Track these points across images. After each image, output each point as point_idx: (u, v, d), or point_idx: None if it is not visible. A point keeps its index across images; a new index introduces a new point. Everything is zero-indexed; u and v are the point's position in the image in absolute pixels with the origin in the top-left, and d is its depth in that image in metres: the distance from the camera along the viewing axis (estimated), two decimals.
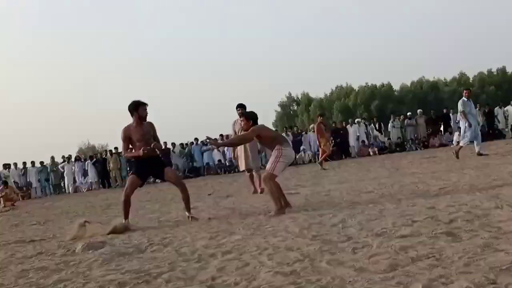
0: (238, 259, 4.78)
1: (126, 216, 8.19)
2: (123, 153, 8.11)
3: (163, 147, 8.19)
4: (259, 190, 11.56)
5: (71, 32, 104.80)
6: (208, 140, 11.89)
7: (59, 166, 28.73)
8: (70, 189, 28.20)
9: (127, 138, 8.03)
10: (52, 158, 29.41)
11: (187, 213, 8.29)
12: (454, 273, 3.47)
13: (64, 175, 28.60)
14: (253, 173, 11.90)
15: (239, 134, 11.34)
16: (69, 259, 5.97)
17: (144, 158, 8.04)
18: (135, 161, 8.29)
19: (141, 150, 7.89)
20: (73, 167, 28.65)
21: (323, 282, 3.65)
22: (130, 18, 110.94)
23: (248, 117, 8.43)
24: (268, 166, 8.07)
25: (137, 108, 8.00)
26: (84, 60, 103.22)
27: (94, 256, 5.83)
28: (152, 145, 7.99)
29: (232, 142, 9.68)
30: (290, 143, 8.72)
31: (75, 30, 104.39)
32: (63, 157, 29.42)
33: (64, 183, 29.03)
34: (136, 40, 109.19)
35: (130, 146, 8.18)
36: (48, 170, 28.66)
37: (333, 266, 4.06)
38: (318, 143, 19.50)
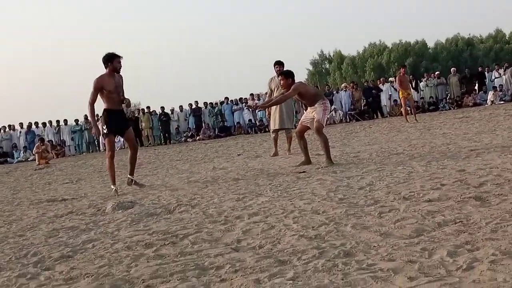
0: (264, 221, 4.79)
1: (113, 181, 8.34)
2: (88, 103, 8.02)
3: (130, 103, 8.34)
4: (287, 153, 11.54)
5: None
6: (251, 106, 12.53)
7: None
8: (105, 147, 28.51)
9: (99, 88, 8.03)
10: (86, 116, 29.71)
11: (129, 176, 8.59)
12: (480, 240, 3.42)
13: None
14: (285, 134, 11.84)
15: (276, 91, 11.32)
16: (98, 218, 6.08)
17: (115, 112, 8.21)
18: (107, 118, 8.21)
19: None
20: None
21: (347, 246, 3.64)
22: None
23: (286, 75, 8.87)
24: (317, 117, 8.54)
25: (112, 60, 8.06)
26: (123, 23, 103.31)
27: (123, 216, 5.91)
28: (126, 102, 8.22)
29: (276, 101, 9.68)
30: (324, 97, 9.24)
31: None
32: (96, 115, 29.63)
33: (97, 142, 29.36)
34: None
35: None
36: (83, 128, 29.00)
37: (358, 230, 4.05)
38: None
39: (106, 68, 8.10)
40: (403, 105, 19.27)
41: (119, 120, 8.34)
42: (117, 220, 5.78)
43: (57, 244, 4.92)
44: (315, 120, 8.56)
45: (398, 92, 20.38)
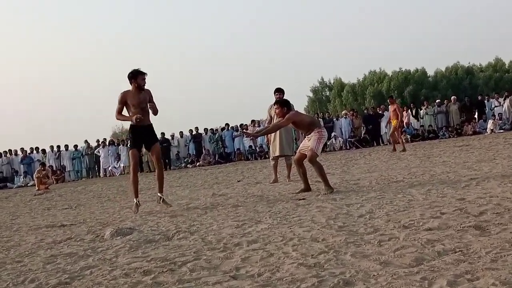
0: (263, 249, 4.77)
1: (136, 195, 8.54)
2: (116, 116, 8.29)
3: (158, 111, 8.48)
4: (287, 179, 11.55)
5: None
6: (243, 132, 12.38)
7: (95, 151, 29.07)
8: (105, 172, 28.53)
9: (124, 101, 8.24)
10: (87, 142, 29.80)
11: (158, 194, 8.74)
12: (480, 269, 3.40)
13: (100, 159, 28.91)
14: (285, 161, 11.85)
15: (275, 118, 11.36)
16: (97, 245, 6.05)
17: (138, 127, 8.31)
18: (132, 133, 8.45)
19: (134, 117, 8.13)
20: (107, 151, 28.99)
21: (346, 275, 3.63)
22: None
23: (282, 104, 8.89)
24: (311, 146, 8.53)
25: (136, 77, 8.23)
26: (120, 43, 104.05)
27: (122, 243, 5.89)
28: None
29: (267, 131, 9.80)
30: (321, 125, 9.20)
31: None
32: (97, 141, 29.78)
33: (98, 167, 29.38)
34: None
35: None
36: (83, 153, 29.03)
37: (358, 259, 4.03)
38: (394, 124, 19.16)
39: (130, 84, 8.29)
40: (397, 134, 19.09)
41: (144, 135, 8.49)
42: (115, 246, 5.75)
43: (55, 270, 4.89)
44: (309, 148, 8.57)
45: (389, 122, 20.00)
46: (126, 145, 28.67)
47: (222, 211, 7.64)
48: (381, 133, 26.71)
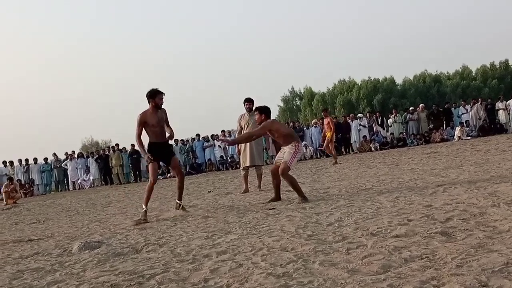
0: (232, 259, 4.76)
1: (146, 203, 8.76)
2: (136, 138, 8.54)
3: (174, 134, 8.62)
4: (258, 189, 11.55)
5: (70, 26, 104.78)
6: (219, 139, 12.01)
7: (63, 164, 28.73)
8: (75, 185, 28.22)
9: (143, 122, 8.45)
10: (55, 155, 29.43)
11: (177, 201, 8.97)
12: (446, 275, 3.44)
13: (68, 172, 28.59)
14: (256, 171, 11.86)
15: (246, 128, 11.37)
16: (64, 259, 5.97)
17: (157, 144, 8.59)
18: (150, 147, 8.66)
19: (146, 157, 8.48)
20: (75, 164, 28.65)
21: (314, 284, 3.64)
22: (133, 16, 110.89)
23: (261, 111, 8.79)
24: (285, 159, 8.43)
25: (154, 96, 8.50)
26: (87, 57, 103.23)
27: (90, 257, 5.82)
28: (170, 135, 8.71)
29: (243, 138, 9.81)
30: (298, 138, 9.04)
31: (75, 24, 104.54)
32: (66, 153, 29.44)
33: (66, 180, 29.03)
34: (139, 37, 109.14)
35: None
36: (52, 167, 28.67)
37: (326, 267, 4.04)
38: (328, 137, 19.21)
39: (149, 103, 8.55)
40: (331, 147, 19.27)
41: (163, 150, 8.75)
42: (83, 260, 5.68)
43: (21, 286, 4.82)
44: (282, 161, 8.51)
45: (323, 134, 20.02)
46: (96, 159, 28.41)
47: (192, 223, 7.61)
48: (351, 142, 26.88)
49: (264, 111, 8.79)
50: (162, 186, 19.18)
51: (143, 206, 8.71)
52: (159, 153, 8.68)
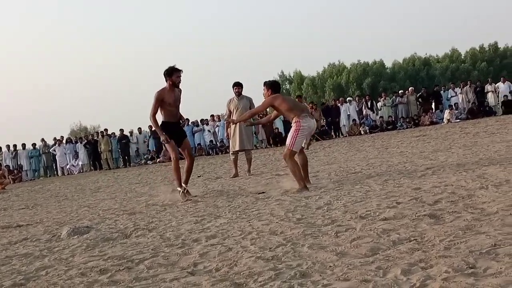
0: (222, 244, 4.75)
1: (180, 183, 8.50)
2: (150, 115, 8.31)
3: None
4: (247, 174, 11.56)
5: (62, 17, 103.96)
6: (226, 119, 11.09)
7: (51, 149, 28.61)
8: (63, 171, 28.13)
9: (161, 99, 8.24)
10: (43, 140, 29.28)
11: (183, 185, 8.55)
12: (434, 257, 3.45)
13: (56, 157, 28.47)
14: (245, 155, 11.87)
15: (235, 112, 11.31)
16: (53, 245, 5.95)
17: (171, 123, 8.44)
18: (164, 128, 8.42)
19: (163, 138, 8.28)
20: (64, 149, 28.54)
21: (303, 267, 3.64)
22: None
23: (268, 85, 8.17)
24: (287, 141, 7.92)
25: (171, 74, 8.26)
26: (79, 43, 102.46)
27: (79, 242, 5.80)
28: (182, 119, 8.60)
29: (246, 116, 9.08)
30: (308, 111, 8.35)
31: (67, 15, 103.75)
32: (54, 139, 29.29)
33: (55, 166, 28.92)
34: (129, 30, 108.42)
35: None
36: (40, 152, 28.54)
37: (315, 251, 4.05)
38: None
39: (166, 81, 8.30)
40: None
41: (176, 131, 8.55)
42: (72, 246, 5.66)
43: (10, 272, 4.79)
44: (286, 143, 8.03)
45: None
46: (84, 144, 28.30)
47: (182, 207, 7.60)
48: (341, 125, 26.92)
49: (271, 85, 8.16)
50: (152, 171, 19.17)
51: (178, 188, 8.51)
52: (173, 133, 8.43)
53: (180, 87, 8.45)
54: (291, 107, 7.96)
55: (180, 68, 8.30)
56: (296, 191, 7.53)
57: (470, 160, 8.75)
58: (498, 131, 15.06)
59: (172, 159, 8.61)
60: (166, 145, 8.58)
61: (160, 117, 8.48)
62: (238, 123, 11.10)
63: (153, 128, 27.58)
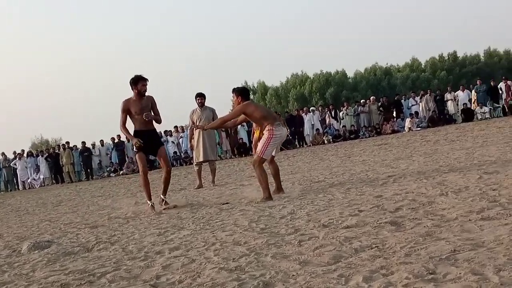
0: (185, 255, 4.73)
1: (149, 197, 8.40)
2: (120, 126, 8.28)
3: (161, 120, 8.54)
4: (212, 184, 11.54)
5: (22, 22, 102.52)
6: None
7: (11, 163, 28.10)
8: (24, 185, 27.65)
9: (126, 110, 8.20)
10: (3, 154, 28.76)
11: (161, 196, 8.55)
12: (394, 264, 3.49)
13: (17, 171, 27.97)
14: (210, 166, 11.85)
15: (198, 123, 11.26)
16: (13, 260, 5.84)
17: (142, 132, 8.29)
18: (136, 137, 8.33)
19: (134, 142, 8.16)
20: (25, 163, 28.08)
21: (266, 277, 3.64)
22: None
23: (237, 92, 7.99)
24: (258, 148, 7.82)
25: (137, 83, 8.22)
26: (37, 53, 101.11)
27: (40, 256, 5.71)
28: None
29: (216, 124, 9.02)
30: (281, 120, 8.42)
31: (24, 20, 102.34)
32: (14, 153, 28.79)
33: (16, 180, 28.41)
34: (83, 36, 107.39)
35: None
36: (0, 166, 28.01)
37: (278, 260, 4.06)
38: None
39: (132, 90, 8.25)
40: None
41: (149, 140, 8.36)
42: (33, 260, 5.56)
43: None
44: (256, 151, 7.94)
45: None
46: (46, 157, 27.87)
47: (145, 220, 7.54)
48: (305, 135, 27.09)
49: (240, 92, 7.97)
50: (115, 184, 18.98)
51: (148, 202, 8.39)
52: (145, 143, 8.25)
53: (150, 95, 8.41)
54: (264, 115, 7.90)
55: (145, 77, 8.27)
56: (261, 200, 7.53)
57: (431, 167, 8.89)
58: (458, 138, 15.35)
59: (140, 173, 8.50)
60: (136, 156, 8.48)
61: (132, 127, 8.44)
62: (201, 134, 11.10)
63: (116, 141, 27.63)
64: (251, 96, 74.79)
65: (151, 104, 8.39)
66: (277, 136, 7.74)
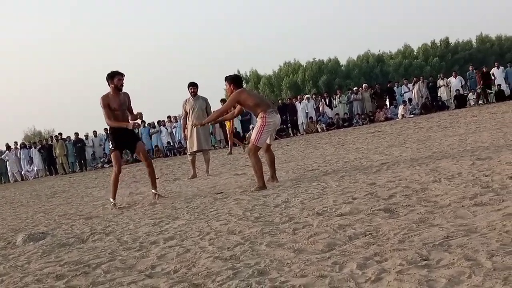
0: (180, 245, 4.74)
1: (114, 196, 8.41)
2: (106, 120, 8.21)
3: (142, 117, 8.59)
4: (206, 174, 11.54)
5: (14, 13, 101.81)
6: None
7: (2, 156, 28.01)
8: (15, 177, 27.59)
9: (107, 104, 8.14)
10: None
11: (153, 190, 8.57)
12: (388, 251, 3.51)
13: (7, 164, 27.89)
14: (203, 155, 11.85)
15: (191, 113, 11.26)
16: (8, 252, 5.85)
17: (120, 130, 8.24)
18: (112, 134, 8.36)
19: (131, 123, 8.21)
20: (18, 155, 28.01)
21: (261, 265, 3.66)
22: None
23: (230, 80, 7.94)
24: (252, 136, 7.81)
25: (113, 78, 8.19)
26: (31, 43, 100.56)
27: (35, 248, 5.71)
28: (138, 115, 8.44)
29: (214, 117, 8.69)
30: (274, 107, 8.33)
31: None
32: (6, 145, 28.70)
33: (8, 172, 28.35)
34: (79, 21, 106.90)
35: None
36: None
37: (273, 248, 4.07)
38: (229, 127, 18.86)
39: (109, 85, 8.22)
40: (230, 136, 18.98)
41: (126, 136, 8.34)
42: (28, 252, 5.57)
43: None
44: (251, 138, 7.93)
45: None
46: (39, 149, 27.80)
47: (139, 210, 7.54)
48: (298, 123, 27.09)
49: (232, 80, 7.92)
50: (109, 175, 18.90)
51: (111, 199, 8.38)
52: (123, 139, 8.30)
53: (126, 91, 8.37)
54: (257, 102, 7.84)
55: (122, 72, 8.27)
56: (255, 189, 7.53)
57: (424, 154, 8.92)
58: (450, 125, 15.40)
59: (113, 171, 8.45)
60: (111, 155, 8.50)
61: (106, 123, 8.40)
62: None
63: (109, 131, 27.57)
64: (244, 85, 74.74)
65: (128, 100, 8.40)
66: (270, 124, 7.71)
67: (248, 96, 7.92)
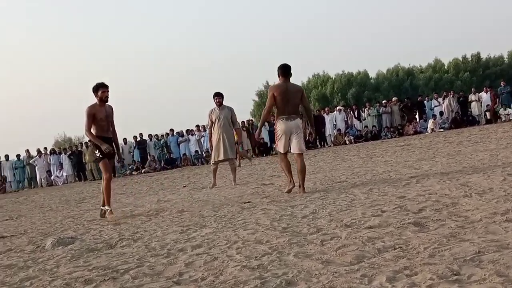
0: (207, 253, 4.75)
1: (108, 202, 8.51)
2: (86, 131, 8.36)
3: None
4: (233, 183, 11.56)
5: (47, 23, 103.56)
6: (258, 139, 10.38)
7: (31, 161, 28.41)
8: (43, 182, 27.93)
9: (92, 115, 8.29)
10: (28, 151, 29.11)
11: (102, 207, 8.67)
12: (418, 265, 3.48)
13: (36, 169, 28.27)
14: (229, 164, 11.88)
15: (217, 123, 11.37)
16: (37, 255, 5.90)
17: (105, 139, 8.42)
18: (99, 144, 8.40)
19: (104, 147, 8.25)
20: (48, 160, 28.38)
21: (289, 275, 3.64)
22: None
23: (278, 70, 7.95)
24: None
25: (97, 90, 8.35)
26: (62, 53, 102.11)
27: (63, 252, 5.76)
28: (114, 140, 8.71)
29: (264, 114, 8.81)
30: (294, 115, 8.15)
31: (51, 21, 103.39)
32: (37, 150, 29.13)
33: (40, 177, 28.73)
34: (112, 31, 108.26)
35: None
36: (24, 163, 28.35)
37: (301, 259, 4.05)
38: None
39: (95, 97, 8.37)
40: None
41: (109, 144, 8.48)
42: (56, 256, 5.62)
43: None
44: None
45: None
46: (69, 155, 28.14)
47: (167, 217, 7.57)
48: (326, 135, 27.01)
49: (278, 69, 7.95)
50: (137, 182, 19.10)
51: (106, 207, 8.49)
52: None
53: (110, 104, 8.52)
54: (277, 106, 7.99)
55: (106, 84, 8.41)
56: (287, 190, 8.20)
57: (454, 168, 8.82)
58: (481, 140, 15.20)
59: (103, 178, 8.58)
60: (99, 163, 8.59)
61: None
62: (220, 133, 11.20)
63: (138, 139, 27.81)
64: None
65: (111, 112, 8.58)
66: (277, 130, 8.08)
67: (271, 97, 8.04)
